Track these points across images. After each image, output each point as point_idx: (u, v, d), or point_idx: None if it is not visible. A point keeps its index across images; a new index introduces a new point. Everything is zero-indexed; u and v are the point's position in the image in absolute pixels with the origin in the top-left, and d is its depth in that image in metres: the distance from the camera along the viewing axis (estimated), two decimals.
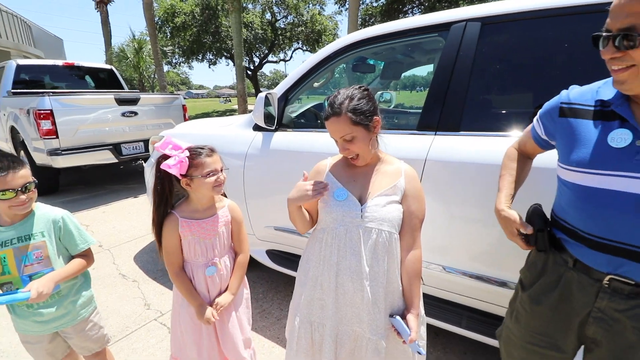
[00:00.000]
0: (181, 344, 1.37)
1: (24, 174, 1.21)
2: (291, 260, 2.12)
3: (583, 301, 0.82)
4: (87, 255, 1.38)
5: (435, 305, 1.62)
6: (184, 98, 5.78)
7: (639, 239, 0.72)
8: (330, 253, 1.11)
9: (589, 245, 0.79)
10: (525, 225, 0.90)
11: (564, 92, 0.90)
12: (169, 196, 1.30)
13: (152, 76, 21.56)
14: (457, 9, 1.54)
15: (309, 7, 21.29)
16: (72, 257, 1.35)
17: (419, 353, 1.02)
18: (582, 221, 0.81)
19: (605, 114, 0.79)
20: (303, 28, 21.07)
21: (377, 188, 1.11)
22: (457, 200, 1.43)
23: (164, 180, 1.27)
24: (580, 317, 0.83)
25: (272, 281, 2.52)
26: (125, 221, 3.90)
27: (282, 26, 21.85)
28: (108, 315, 2.22)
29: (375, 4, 16.49)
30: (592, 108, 0.82)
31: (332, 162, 1.21)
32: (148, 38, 15.13)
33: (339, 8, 17.19)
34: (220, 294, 1.35)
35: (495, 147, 1.34)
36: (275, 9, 21.12)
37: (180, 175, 1.24)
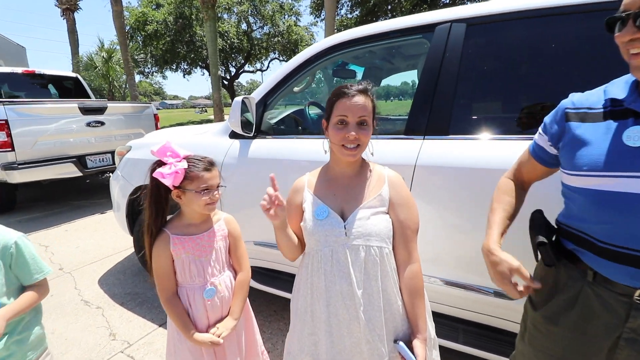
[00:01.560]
0: None
1: None
2: (275, 277, 1.97)
3: (610, 321, 0.73)
4: (41, 286, 1.18)
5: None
6: (158, 109, 5.53)
7: None
8: (318, 279, 0.99)
9: (610, 257, 0.71)
10: (533, 280, 0.78)
11: (565, 100, 0.84)
12: (165, 207, 1.18)
13: (124, 86, 20.81)
14: (441, 10, 1.49)
15: (284, 17, 21.44)
16: (24, 288, 1.15)
17: None
18: (600, 229, 0.73)
19: (618, 112, 0.72)
20: (279, 38, 21.14)
21: (359, 200, 1.01)
22: (448, 206, 1.35)
23: (160, 188, 1.15)
24: (609, 340, 0.74)
25: (253, 301, 2.32)
26: (90, 240, 3.59)
27: (259, 36, 21.82)
28: (68, 348, 1.97)
29: (350, 16, 16.82)
30: (602, 110, 0.76)
31: (311, 178, 1.11)
32: (118, 47, 14.60)
33: (315, 19, 17.40)
34: (222, 319, 1.21)
35: (486, 150, 1.28)
36: (251, 19, 21.10)
37: (173, 186, 1.12)
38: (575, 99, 0.82)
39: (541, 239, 0.81)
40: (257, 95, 1.89)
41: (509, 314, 1.35)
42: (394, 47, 1.95)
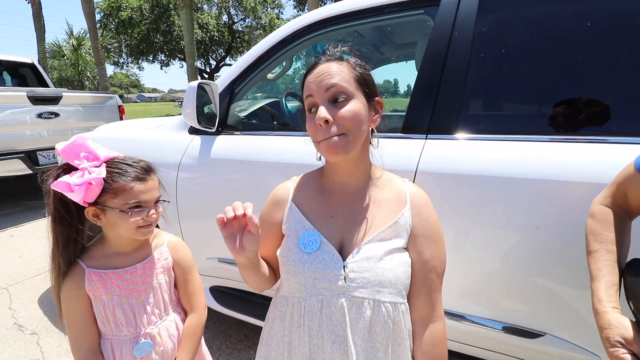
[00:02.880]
0: None
1: None
2: (243, 299, 1.66)
3: None
4: None
5: None
6: (135, 101, 5.05)
7: None
8: (299, 339, 0.70)
9: None
10: None
11: None
12: (79, 228, 0.84)
13: (96, 77, 19.69)
14: None
15: (267, 10, 20.86)
16: None
17: None
18: None
19: None
20: (261, 31, 20.55)
21: (369, 228, 0.70)
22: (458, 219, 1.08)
23: (69, 204, 0.80)
24: None
25: (220, 324, 2.01)
26: (37, 247, 3.14)
27: (240, 29, 21.15)
28: None
29: None
30: None
31: (298, 184, 0.79)
32: (89, 35, 13.67)
33: (298, 12, 16.95)
34: None
35: (505, 154, 1.02)
36: (233, 11, 20.45)
37: (86, 202, 0.79)
38: None
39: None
40: (222, 82, 1.56)
41: (535, 357, 1.10)
42: (389, 26, 1.66)
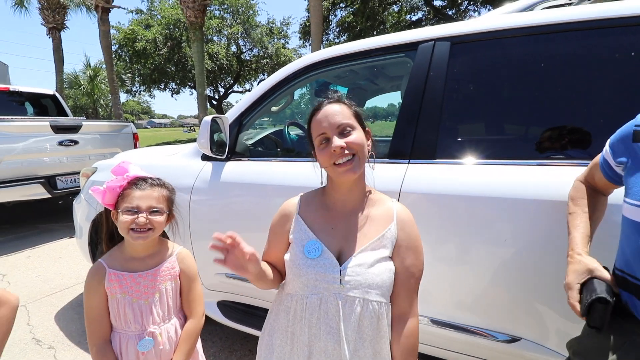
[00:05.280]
0: None
1: None
2: (249, 313, 1.78)
3: None
4: None
5: None
6: (145, 127, 5.35)
7: None
8: (300, 330, 0.83)
9: None
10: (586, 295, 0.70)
11: (637, 117, 0.75)
12: (113, 231, 1.07)
13: (109, 105, 20.52)
14: (424, 28, 1.42)
15: (273, 41, 21.85)
16: None
17: None
18: None
19: None
20: (268, 60, 21.44)
21: (362, 239, 0.85)
22: (439, 237, 1.22)
23: (109, 211, 1.04)
24: None
25: (227, 338, 2.12)
26: (53, 268, 3.30)
27: (248, 58, 22.10)
28: None
29: (337, 41, 17.26)
30: None
31: (304, 200, 0.95)
32: (104, 66, 14.47)
33: (303, 42, 17.78)
34: None
35: (476, 176, 1.18)
36: (241, 42, 21.43)
37: (110, 205, 1.01)
38: None
39: (602, 294, 0.67)
40: (232, 114, 1.77)
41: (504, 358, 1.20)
42: (376, 66, 1.88)
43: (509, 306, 1.16)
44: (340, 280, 0.80)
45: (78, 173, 4.36)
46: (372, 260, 0.82)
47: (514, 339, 1.16)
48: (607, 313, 0.66)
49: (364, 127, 0.89)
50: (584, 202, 0.87)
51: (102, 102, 20.25)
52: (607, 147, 0.82)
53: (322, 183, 0.96)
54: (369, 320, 0.80)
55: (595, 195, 0.89)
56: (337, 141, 0.82)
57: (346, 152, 0.82)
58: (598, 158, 0.87)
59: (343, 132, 0.83)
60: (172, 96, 22.46)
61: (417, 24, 15.51)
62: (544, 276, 1.07)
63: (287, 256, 0.88)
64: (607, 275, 0.71)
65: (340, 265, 0.82)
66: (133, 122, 5.57)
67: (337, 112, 0.84)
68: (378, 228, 0.86)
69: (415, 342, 0.84)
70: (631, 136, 0.73)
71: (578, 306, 0.71)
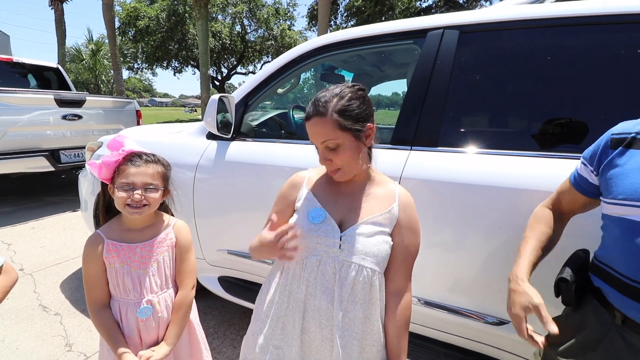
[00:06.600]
0: None
1: None
2: (248, 288, 1.85)
3: None
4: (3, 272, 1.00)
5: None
6: (147, 106, 5.34)
7: None
8: (297, 288, 0.88)
9: (634, 296, 0.64)
10: (550, 323, 0.71)
11: (613, 128, 0.79)
12: (109, 203, 1.08)
13: (111, 81, 20.28)
14: (434, 16, 1.42)
15: (279, 22, 21.41)
16: None
17: None
18: (630, 266, 0.66)
19: None
20: (273, 42, 21.08)
21: (364, 213, 0.90)
22: (436, 222, 1.27)
23: (106, 185, 1.07)
24: None
25: (226, 312, 2.20)
26: (57, 239, 3.37)
27: (252, 39, 21.72)
28: (18, 358, 1.79)
29: (344, 25, 16.92)
30: None
31: (312, 175, 1.00)
32: (107, 41, 14.25)
33: (310, 26, 17.43)
34: (157, 343, 1.06)
35: (476, 165, 1.21)
36: (246, 22, 21.01)
37: (107, 179, 1.03)
38: (622, 126, 0.77)
39: (564, 275, 0.74)
40: (238, 95, 1.78)
41: (499, 342, 1.27)
42: (384, 52, 1.88)
43: (499, 290, 1.21)
44: (340, 245, 0.85)
45: (81, 147, 4.39)
46: (371, 231, 0.87)
47: (501, 322, 1.22)
48: (571, 290, 0.74)
49: (360, 128, 0.85)
50: (541, 228, 0.89)
51: (103, 77, 20.02)
52: (582, 164, 0.84)
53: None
54: (362, 285, 0.84)
55: (557, 222, 0.91)
56: (322, 154, 0.87)
57: (333, 163, 0.87)
58: (565, 184, 0.90)
59: (328, 146, 0.85)
60: (174, 75, 22.22)
61: (427, 10, 15.20)
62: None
63: (291, 220, 0.93)
64: (547, 315, 0.73)
65: (341, 233, 0.87)
66: (127, 97, 5.54)
67: (318, 131, 0.85)
68: (381, 205, 0.91)
69: (409, 315, 0.90)
70: (609, 143, 0.76)
71: (536, 335, 0.76)
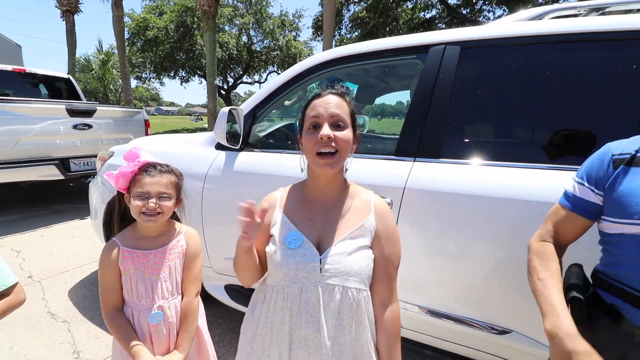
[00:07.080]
0: None
1: None
2: None
3: None
4: (10, 294, 1.05)
5: (411, 349, 1.44)
6: (153, 114, 5.44)
7: None
8: (281, 319, 0.85)
9: None
10: None
11: (608, 149, 0.79)
12: (124, 212, 1.14)
13: (119, 90, 20.68)
14: (436, 32, 1.47)
15: (285, 33, 21.79)
16: None
17: None
18: None
19: None
20: (278, 52, 21.42)
21: (341, 229, 0.87)
22: (437, 232, 1.29)
23: (122, 195, 1.12)
24: None
25: (232, 320, 2.22)
26: (66, 247, 3.42)
27: (258, 49, 22.09)
28: None
29: (349, 36, 17.18)
30: None
31: (284, 194, 0.97)
32: (116, 51, 14.59)
33: (315, 36, 17.70)
34: (167, 349, 1.09)
35: (478, 176, 1.24)
36: (252, 33, 21.41)
37: (124, 189, 1.08)
38: (620, 146, 0.77)
39: (575, 294, 0.73)
40: (246, 106, 1.84)
41: (503, 351, 1.28)
42: (388, 67, 1.94)
43: (502, 301, 1.23)
44: (321, 268, 0.82)
45: (91, 156, 4.48)
46: (351, 248, 0.84)
47: (504, 331, 1.23)
48: (584, 308, 0.73)
49: (354, 130, 0.91)
50: (553, 267, 0.80)
51: (112, 87, 20.45)
52: (580, 185, 0.81)
53: (302, 170, 0.97)
54: (348, 307, 0.82)
55: (560, 254, 0.85)
56: (327, 130, 0.83)
57: (332, 144, 0.84)
58: (559, 213, 0.86)
59: (335, 124, 0.85)
60: (181, 84, 22.61)
61: (431, 22, 15.37)
62: None
63: (268, 248, 0.89)
64: None
65: (320, 255, 0.84)
66: (141, 108, 5.68)
67: (336, 103, 0.86)
68: (357, 218, 0.89)
69: (398, 326, 0.88)
70: (612, 164, 0.76)
71: None
